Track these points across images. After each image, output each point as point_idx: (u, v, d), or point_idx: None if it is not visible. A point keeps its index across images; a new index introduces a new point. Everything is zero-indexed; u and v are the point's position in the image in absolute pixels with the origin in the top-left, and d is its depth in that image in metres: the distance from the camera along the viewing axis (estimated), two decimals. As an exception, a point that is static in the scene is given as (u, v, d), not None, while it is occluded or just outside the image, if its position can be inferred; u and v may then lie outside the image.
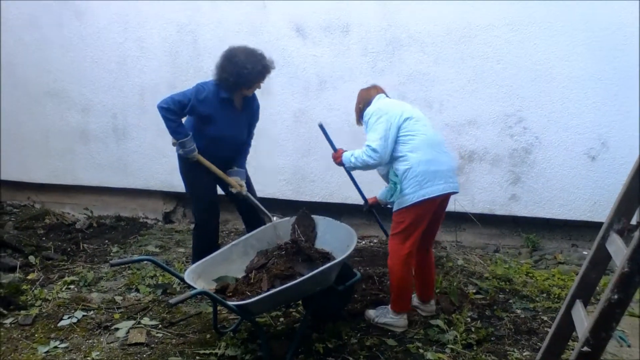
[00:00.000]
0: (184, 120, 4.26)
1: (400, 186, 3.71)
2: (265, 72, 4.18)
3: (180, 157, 4.40)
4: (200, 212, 4.53)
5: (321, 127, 4.41)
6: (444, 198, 3.83)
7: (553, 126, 5.39)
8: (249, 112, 4.46)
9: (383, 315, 3.97)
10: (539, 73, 5.34)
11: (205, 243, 4.46)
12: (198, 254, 4.31)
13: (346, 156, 3.93)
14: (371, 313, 4.05)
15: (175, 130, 4.15)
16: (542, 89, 5.36)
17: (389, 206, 4.04)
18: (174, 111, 4.10)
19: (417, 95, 5.60)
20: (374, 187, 4.46)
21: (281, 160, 6.05)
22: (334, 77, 5.84)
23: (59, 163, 6.88)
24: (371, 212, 4.59)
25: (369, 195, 4.52)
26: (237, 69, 4.05)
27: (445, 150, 3.85)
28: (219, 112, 4.21)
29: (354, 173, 4.31)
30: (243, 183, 4.43)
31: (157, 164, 6.50)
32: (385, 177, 3.95)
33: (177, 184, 6.48)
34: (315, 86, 5.90)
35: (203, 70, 6.17)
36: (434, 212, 3.80)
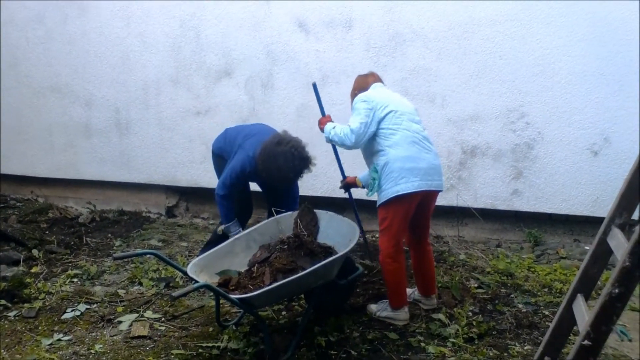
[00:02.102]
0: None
1: (379, 181, 3.75)
2: (295, 179, 4.20)
3: (214, 155, 4.63)
4: (237, 210, 4.53)
5: (314, 86, 4.54)
6: (425, 195, 3.80)
7: (555, 121, 5.39)
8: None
9: (384, 309, 3.98)
10: (541, 68, 5.34)
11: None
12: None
13: (328, 126, 3.99)
14: (373, 307, 4.07)
15: (227, 215, 4.31)
16: (545, 84, 5.35)
17: (368, 195, 4.03)
18: (231, 197, 4.28)
19: (420, 91, 5.61)
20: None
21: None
22: (337, 72, 5.84)
23: (62, 157, 6.90)
24: (347, 191, 4.69)
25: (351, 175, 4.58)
26: (269, 168, 4.01)
27: (428, 147, 3.82)
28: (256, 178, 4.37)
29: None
30: None
31: (160, 158, 6.51)
32: (368, 165, 4.02)
33: (180, 179, 6.52)
34: (317, 81, 5.86)
35: (206, 65, 6.19)
36: (419, 207, 3.82)
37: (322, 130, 4.11)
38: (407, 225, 3.87)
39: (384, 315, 3.97)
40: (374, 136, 3.79)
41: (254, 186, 4.69)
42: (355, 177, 4.45)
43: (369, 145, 3.85)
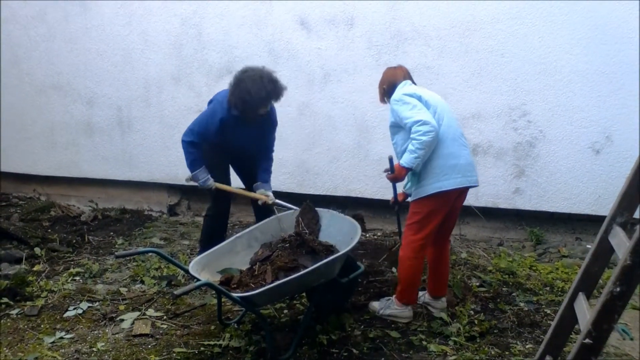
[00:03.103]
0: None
1: (418, 176, 3.71)
2: (269, 98, 4.14)
3: None
4: (215, 194, 4.56)
5: (390, 161, 3.94)
6: (461, 192, 3.80)
7: (557, 120, 5.38)
8: (262, 127, 4.47)
9: (387, 307, 3.98)
10: (543, 66, 5.33)
11: (218, 225, 4.69)
12: (209, 234, 4.63)
13: (406, 160, 3.61)
14: (375, 305, 4.06)
15: (192, 162, 4.31)
16: (547, 82, 5.34)
17: (405, 189, 4.02)
18: (196, 144, 4.28)
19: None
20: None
21: (285, 153, 6.05)
22: (339, 71, 5.83)
23: (64, 155, 6.90)
24: (399, 207, 4.36)
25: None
26: (242, 94, 4.06)
27: (466, 144, 3.83)
28: (231, 125, 4.29)
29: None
30: (269, 193, 4.48)
31: (162, 156, 6.52)
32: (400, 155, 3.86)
33: (182, 177, 6.49)
34: (319, 79, 5.90)
35: (207, 63, 6.19)
36: (451, 205, 3.79)
37: (404, 173, 3.73)
38: (440, 223, 3.82)
39: (387, 313, 3.97)
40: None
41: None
42: (403, 192, 4.24)
43: (405, 142, 3.74)
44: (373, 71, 5.61)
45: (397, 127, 3.78)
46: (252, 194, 4.49)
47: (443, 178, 3.63)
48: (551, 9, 5.22)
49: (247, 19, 6.00)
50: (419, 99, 3.69)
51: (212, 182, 4.36)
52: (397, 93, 3.77)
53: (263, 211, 4.60)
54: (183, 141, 4.28)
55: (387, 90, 3.92)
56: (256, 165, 4.60)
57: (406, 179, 3.99)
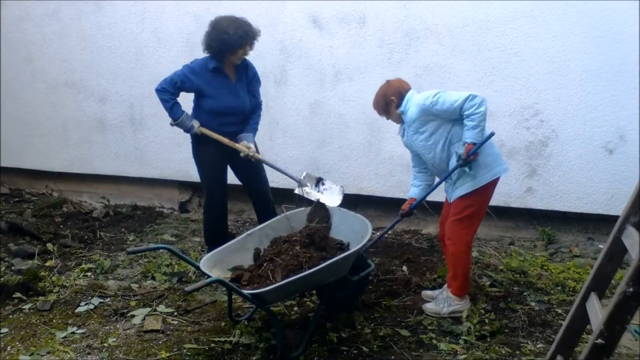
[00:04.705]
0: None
1: (470, 170, 3.73)
2: (246, 37, 4.23)
3: (192, 138, 4.57)
4: (209, 188, 4.62)
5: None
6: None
7: (570, 119, 5.35)
8: (245, 80, 4.52)
9: (447, 305, 3.97)
10: (556, 65, 5.30)
11: (216, 216, 4.67)
12: (209, 229, 4.68)
13: (472, 135, 3.62)
14: (433, 308, 4.02)
15: (171, 109, 4.36)
16: (560, 81, 5.31)
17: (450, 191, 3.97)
18: (167, 91, 4.31)
19: (433, 87, 5.50)
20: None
21: (296, 151, 6.06)
22: (350, 69, 5.83)
23: (77, 152, 6.94)
24: (409, 216, 4.22)
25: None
26: (219, 34, 4.18)
27: None
28: (212, 84, 4.34)
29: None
30: (251, 145, 4.47)
31: (173, 153, 6.54)
32: (440, 168, 3.90)
33: (193, 174, 6.51)
34: (330, 77, 5.89)
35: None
36: None
37: (474, 149, 3.64)
38: None
39: (450, 310, 3.96)
40: (456, 126, 3.76)
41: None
42: (410, 198, 4.14)
43: (450, 135, 3.78)
44: (385, 70, 5.61)
45: (431, 124, 3.80)
46: (235, 145, 4.41)
47: (496, 165, 3.79)
48: (565, 8, 5.18)
49: (259, 17, 5.98)
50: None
51: (197, 128, 4.37)
52: (420, 96, 3.81)
53: (263, 210, 4.63)
54: (156, 90, 4.37)
55: (397, 101, 3.93)
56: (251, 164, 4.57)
57: (419, 189, 4.09)
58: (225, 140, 4.40)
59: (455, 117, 3.72)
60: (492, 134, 3.68)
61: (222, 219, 4.77)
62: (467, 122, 3.63)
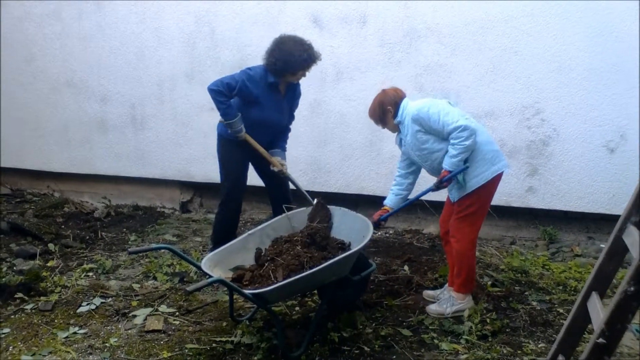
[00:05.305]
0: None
1: (470, 169, 3.75)
2: (310, 61, 4.31)
3: (219, 136, 4.61)
4: (229, 187, 4.65)
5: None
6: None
7: (571, 118, 5.34)
8: (291, 98, 4.62)
9: (450, 305, 3.98)
10: (557, 64, 5.30)
11: (229, 216, 4.73)
12: (220, 228, 4.69)
13: (449, 163, 3.70)
14: (436, 308, 4.02)
15: (225, 111, 4.31)
16: (561, 80, 5.31)
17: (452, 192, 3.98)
18: (223, 93, 4.27)
19: (434, 87, 5.59)
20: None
21: (297, 150, 6.06)
22: (351, 68, 5.83)
23: (78, 152, 6.95)
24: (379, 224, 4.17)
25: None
26: (284, 55, 4.23)
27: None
28: (265, 96, 4.39)
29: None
30: (284, 162, 4.59)
31: (175, 153, 6.55)
32: (437, 171, 3.89)
33: (194, 174, 6.55)
34: (331, 77, 5.90)
35: (220, 61, 6.20)
36: None
37: (448, 175, 3.71)
38: None
39: (454, 310, 3.96)
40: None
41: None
42: (383, 208, 4.13)
43: (445, 144, 3.77)
44: (385, 69, 5.61)
45: (425, 134, 3.81)
46: (271, 158, 4.51)
47: (496, 161, 3.80)
48: (565, 7, 5.18)
49: (260, 17, 6.00)
50: (437, 102, 3.81)
51: (243, 134, 4.40)
52: (413, 106, 3.83)
53: (280, 204, 4.63)
54: (209, 89, 4.31)
55: (394, 110, 3.93)
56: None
57: (394, 196, 4.14)
58: (264, 152, 4.50)
59: (443, 137, 3.75)
60: (466, 167, 3.72)
61: (235, 220, 4.81)
62: (450, 149, 3.69)
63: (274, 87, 4.40)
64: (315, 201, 4.15)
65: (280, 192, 4.74)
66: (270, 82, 4.35)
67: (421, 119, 3.75)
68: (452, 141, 3.66)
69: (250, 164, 4.71)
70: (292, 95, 4.61)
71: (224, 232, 4.61)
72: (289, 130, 4.77)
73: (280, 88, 4.46)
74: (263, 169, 4.69)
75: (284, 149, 4.67)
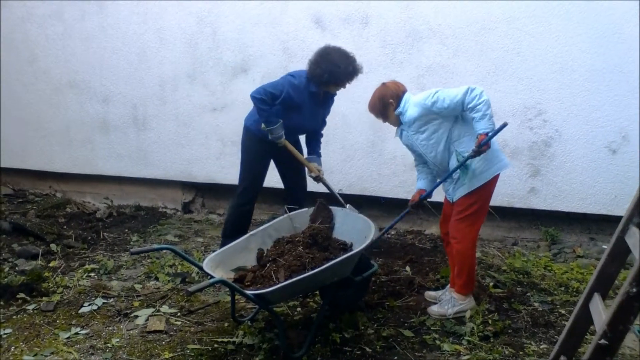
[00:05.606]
0: None
1: (472, 167, 3.75)
2: (354, 73, 4.36)
3: (247, 129, 4.69)
4: (250, 180, 4.73)
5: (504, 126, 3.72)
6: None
7: (573, 119, 5.34)
8: (326, 106, 4.70)
9: (451, 306, 3.97)
10: (559, 65, 5.29)
11: (244, 213, 4.80)
12: (232, 223, 4.76)
13: (484, 125, 3.61)
14: (438, 310, 4.01)
15: (268, 119, 4.36)
16: (563, 81, 5.31)
17: (452, 189, 3.96)
18: (266, 102, 4.32)
19: (436, 87, 5.57)
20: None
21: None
22: (353, 69, 5.82)
23: (80, 153, 6.96)
24: (419, 207, 4.29)
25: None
26: (330, 66, 4.26)
27: None
28: (307, 104, 4.45)
29: None
30: (321, 168, 4.66)
31: (177, 154, 6.56)
32: (442, 167, 3.91)
33: (196, 174, 6.56)
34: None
35: (222, 62, 6.21)
36: None
37: (486, 139, 3.62)
38: None
39: (456, 310, 3.96)
40: (457, 124, 3.80)
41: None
42: (418, 190, 4.17)
43: (451, 133, 3.81)
44: (388, 70, 5.61)
45: (432, 124, 3.80)
46: (309, 164, 4.60)
47: (496, 161, 3.80)
48: (568, 8, 5.18)
49: (262, 17, 6.01)
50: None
51: (283, 140, 4.45)
52: (420, 96, 3.82)
53: (298, 203, 4.63)
54: (253, 97, 4.34)
55: (395, 103, 3.92)
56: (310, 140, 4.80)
57: (426, 180, 4.13)
58: (301, 158, 4.61)
59: (457, 113, 3.75)
60: (504, 125, 3.64)
61: (248, 217, 4.86)
62: (474, 115, 3.62)
63: (315, 95, 4.46)
64: (317, 202, 4.16)
65: (300, 184, 4.89)
66: (312, 91, 4.41)
67: (432, 103, 3.71)
68: (469, 106, 3.60)
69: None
70: (328, 102, 4.68)
71: (236, 229, 4.62)
72: (321, 135, 4.84)
73: (319, 96, 4.51)
74: (284, 168, 4.82)
75: (319, 155, 4.75)
